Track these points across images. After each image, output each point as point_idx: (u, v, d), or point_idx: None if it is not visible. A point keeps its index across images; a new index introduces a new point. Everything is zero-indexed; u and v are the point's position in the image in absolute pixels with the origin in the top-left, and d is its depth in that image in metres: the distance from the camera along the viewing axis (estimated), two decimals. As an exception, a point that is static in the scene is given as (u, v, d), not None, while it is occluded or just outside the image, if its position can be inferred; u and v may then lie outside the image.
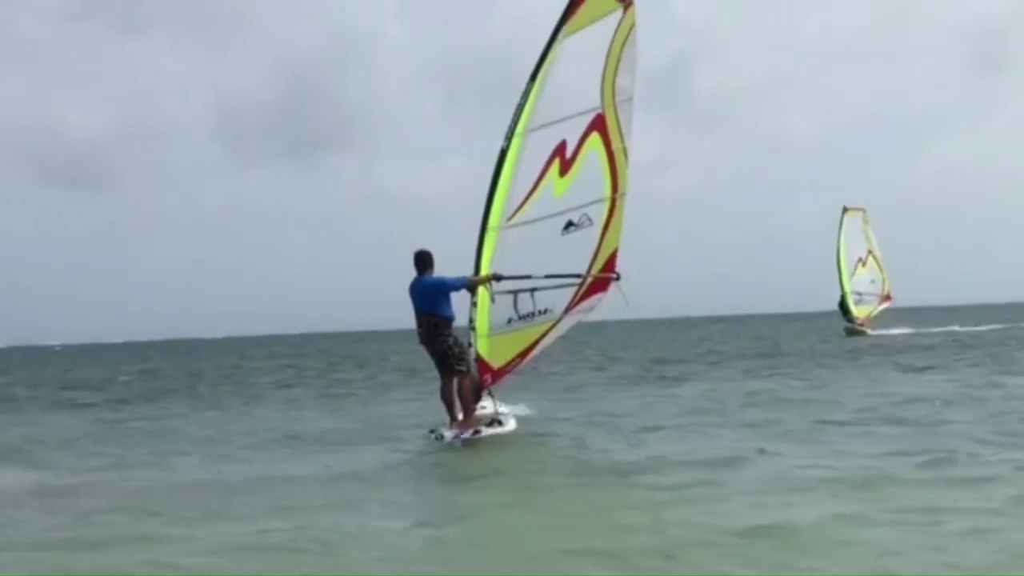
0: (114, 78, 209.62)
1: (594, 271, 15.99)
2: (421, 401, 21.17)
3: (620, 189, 16.01)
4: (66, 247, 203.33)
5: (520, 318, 16.02)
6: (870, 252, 55.97)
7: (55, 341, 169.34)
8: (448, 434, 15.20)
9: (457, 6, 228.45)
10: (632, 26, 15.97)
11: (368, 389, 27.19)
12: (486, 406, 16.07)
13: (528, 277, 15.88)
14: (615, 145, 15.97)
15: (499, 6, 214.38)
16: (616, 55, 15.98)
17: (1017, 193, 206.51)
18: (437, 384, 15.84)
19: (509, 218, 16.02)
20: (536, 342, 16.19)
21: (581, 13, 15.98)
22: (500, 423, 15.79)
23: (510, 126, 16.07)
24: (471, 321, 15.95)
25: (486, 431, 15.41)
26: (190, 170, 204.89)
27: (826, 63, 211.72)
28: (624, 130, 16.00)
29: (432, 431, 15.63)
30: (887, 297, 56.60)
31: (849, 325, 54.05)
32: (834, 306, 55.43)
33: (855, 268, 55.37)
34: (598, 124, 16.00)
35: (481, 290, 15.77)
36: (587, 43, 15.97)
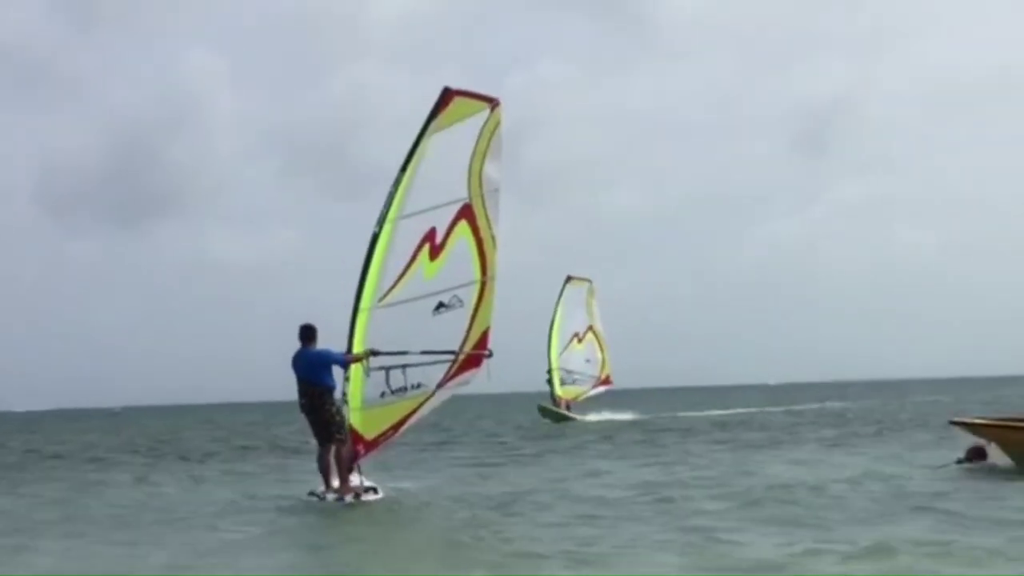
0: None
1: (467, 348, 17.20)
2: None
3: (489, 272, 17.31)
4: None
5: (393, 392, 17.09)
6: (591, 328, 51.01)
7: None
8: (329, 496, 16.29)
9: (291, 76, 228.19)
10: (498, 123, 17.39)
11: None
12: (354, 478, 16.99)
13: (405, 353, 17.00)
14: (483, 232, 17.28)
15: (334, 77, 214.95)
16: (482, 150, 17.36)
17: (837, 275, 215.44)
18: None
19: (381, 299, 17.16)
20: (409, 415, 17.27)
21: (449, 112, 17.34)
22: (375, 491, 16.85)
23: (381, 212, 17.26)
24: (344, 394, 16.97)
25: (364, 497, 16.52)
26: (7, 237, 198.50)
27: (654, 140, 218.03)
28: (492, 218, 17.33)
29: (311, 493, 16.72)
30: (605, 380, 51.06)
31: (545, 405, 49.20)
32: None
33: (569, 343, 50.21)
34: (466, 213, 17.30)
35: (355, 365, 16.85)
36: (455, 139, 17.31)
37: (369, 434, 17.12)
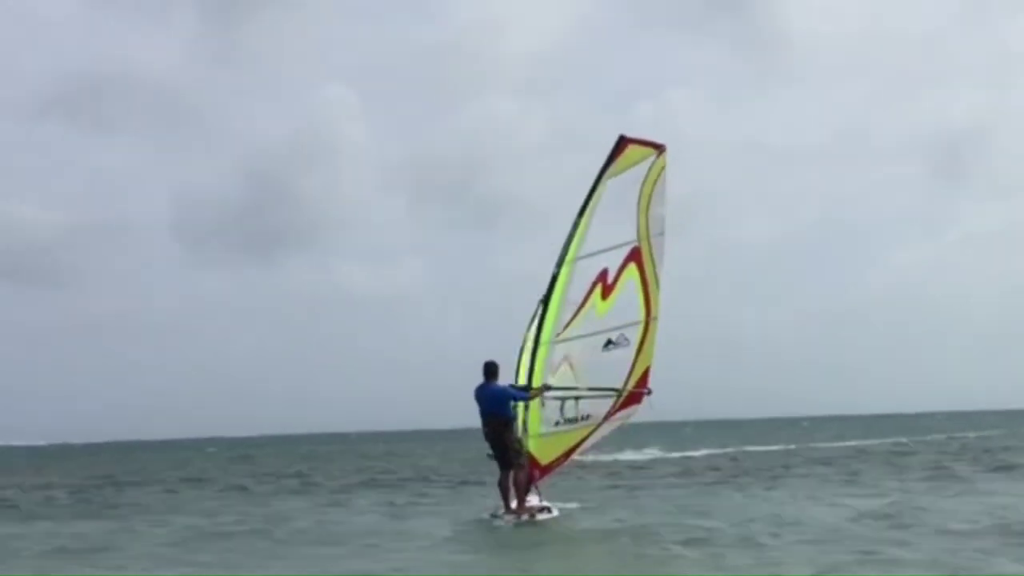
0: (73, 176, 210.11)
1: (630, 386, 18.47)
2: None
3: (652, 313, 18.55)
4: (16, 346, 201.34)
5: (566, 422, 18.46)
6: (566, 358, 47.89)
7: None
8: (508, 517, 17.65)
9: (421, 109, 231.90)
10: (663, 168, 18.63)
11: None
12: (532, 499, 18.39)
13: (574, 389, 18.37)
14: (648, 274, 18.52)
15: (463, 109, 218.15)
16: (648, 194, 18.60)
17: (965, 303, 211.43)
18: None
19: (558, 334, 18.55)
20: (579, 443, 18.59)
21: (622, 159, 18.65)
22: (549, 510, 18.19)
23: (560, 255, 18.68)
24: (523, 423, 18.37)
25: (539, 516, 17.86)
26: (145, 269, 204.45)
27: (782, 168, 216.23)
28: (657, 260, 18.57)
29: (493, 514, 18.13)
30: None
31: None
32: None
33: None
34: (635, 255, 18.58)
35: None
36: (625, 184, 18.62)
37: (544, 459, 18.49)
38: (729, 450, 47.19)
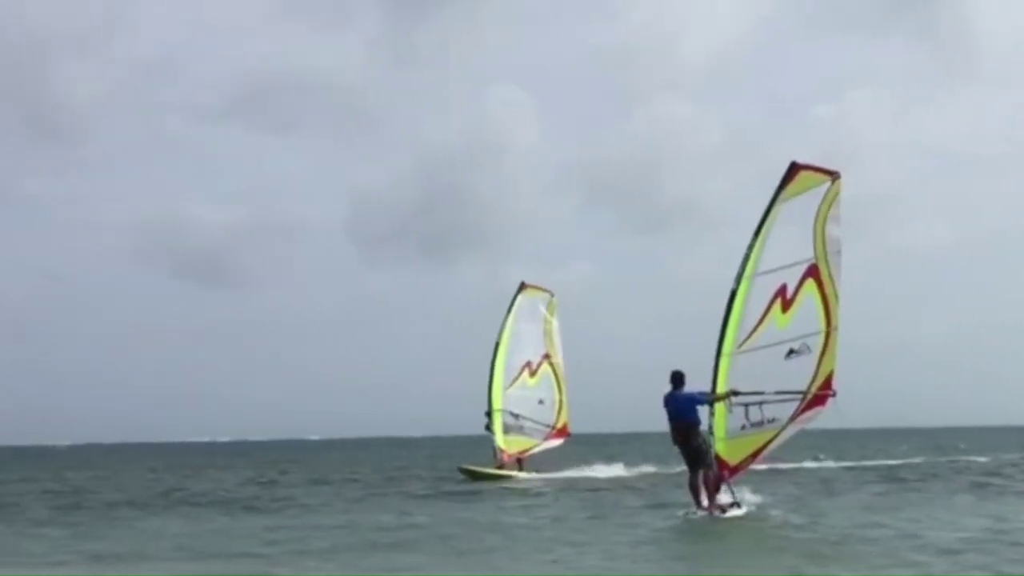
0: (252, 177, 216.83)
1: (813, 389, 20.07)
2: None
3: (833, 324, 20.07)
4: (196, 343, 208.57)
5: (752, 425, 20.16)
6: (547, 357, 39.70)
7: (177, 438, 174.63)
8: (700, 513, 19.57)
9: (595, 111, 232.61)
10: (838, 193, 20.19)
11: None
12: (723, 496, 20.20)
13: (760, 393, 20.07)
14: (827, 289, 20.06)
15: (637, 111, 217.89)
16: (824, 215, 20.16)
17: None
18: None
19: (740, 345, 20.27)
20: (765, 445, 20.26)
21: (795, 184, 20.28)
22: (739, 506, 20.00)
23: (738, 272, 20.40)
24: (710, 427, 20.17)
25: (729, 512, 19.69)
26: (319, 269, 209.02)
27: (964, 171, 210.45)
28: (835, 276, 20.09)
29: (685, 512, 20.01)
30: (561, 431, 39.29)
31: (467, 467, 39.05)
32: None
33: (518, 374, 38.93)
34: (813, 272, 20.16)
35: (719, 402, 20.09)
36: (802, 207, 20.23)
37: (732, 460, 20.21)
38: (941, 459, 46.41)
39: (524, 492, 30.04)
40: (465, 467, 39.40)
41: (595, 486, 30.71)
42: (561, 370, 39.88)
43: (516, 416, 38.42)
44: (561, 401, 39.71)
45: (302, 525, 21.12)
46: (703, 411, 20.23)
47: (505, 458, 37.79)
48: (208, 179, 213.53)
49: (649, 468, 39.14)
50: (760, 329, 20.29)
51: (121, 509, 26.33)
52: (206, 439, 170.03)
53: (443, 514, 22.82)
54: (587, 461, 40.02)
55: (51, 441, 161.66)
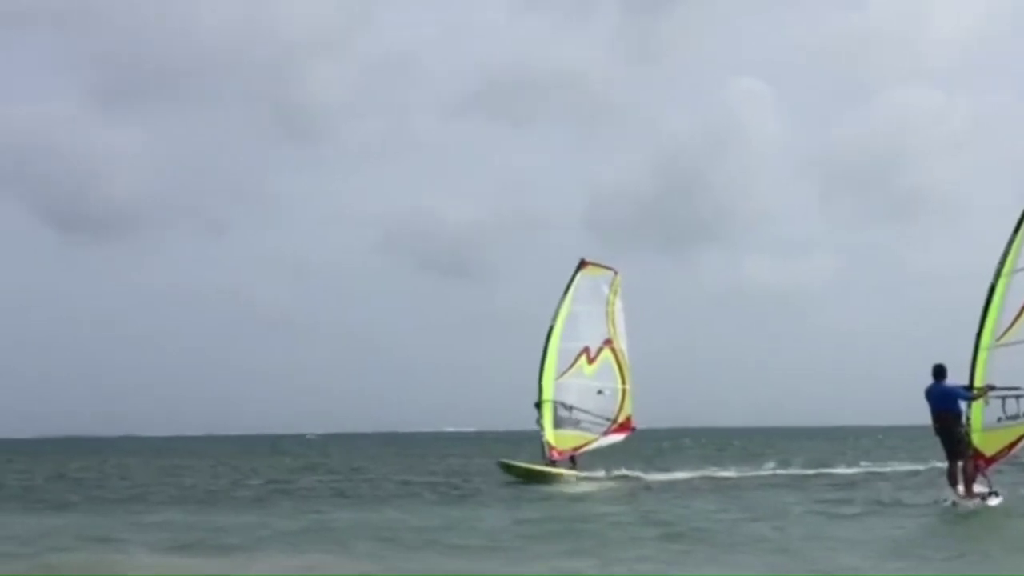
0: (492, 171, 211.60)
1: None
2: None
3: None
4: (440, 336, 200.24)
5: (1008, 418, 20.58)
6: (609, 343, 36.94)
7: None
8: (960, 502, 20.09)
9: (835, 100, 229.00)
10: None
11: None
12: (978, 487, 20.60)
13: (1017, 388, 20.49)
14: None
15: (879, 99, 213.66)
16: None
17: None
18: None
19: (997, 339, 20.67)
20: (1020, 438, 20.68)
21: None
22: (996, 495, 20.46)
23: (997, 267, 20.82)
24: (967, 419, 20.53)
25: (989, 501, 20.11)
26: (558, 263, 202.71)
27: None
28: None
29: (946, 500, 20.42)
30: (623, 426, 36.45)
31: (508, 461, 37.12)
32: None
33: (574, 361, 36.38)
34: (1069, 269, 20.69)
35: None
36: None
37: (988, 451, 20.62)
38: None
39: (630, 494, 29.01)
40: (507, 462, 37.22)
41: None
42: (625, 357, 36.99)
43: (569, 408, 35.69)
44: (624, 391, 36.60)
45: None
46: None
47: (555, 455, 35.16)
48: (450, 175, 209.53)
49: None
50: (1017, 324, 20.71)
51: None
52: (449, 429, 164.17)
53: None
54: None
55: (302, 430, 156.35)
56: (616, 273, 38.31)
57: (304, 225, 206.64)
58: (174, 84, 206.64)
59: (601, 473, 36.03)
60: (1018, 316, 20.76)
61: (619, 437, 36.87)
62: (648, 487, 31.40)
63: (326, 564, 15.31)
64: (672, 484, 32.68)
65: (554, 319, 37.42)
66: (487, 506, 24.65)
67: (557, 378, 36.38)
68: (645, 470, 36.56)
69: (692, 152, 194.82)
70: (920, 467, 35.52)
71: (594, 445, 36.40)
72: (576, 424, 36.07)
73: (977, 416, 20.63)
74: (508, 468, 36.60)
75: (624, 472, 35.90)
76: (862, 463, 40.28)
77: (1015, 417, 20.61)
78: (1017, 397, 20.56)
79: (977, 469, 20.59)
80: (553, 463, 35.60)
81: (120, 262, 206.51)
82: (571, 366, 36.63)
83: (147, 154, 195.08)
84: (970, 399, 20.46)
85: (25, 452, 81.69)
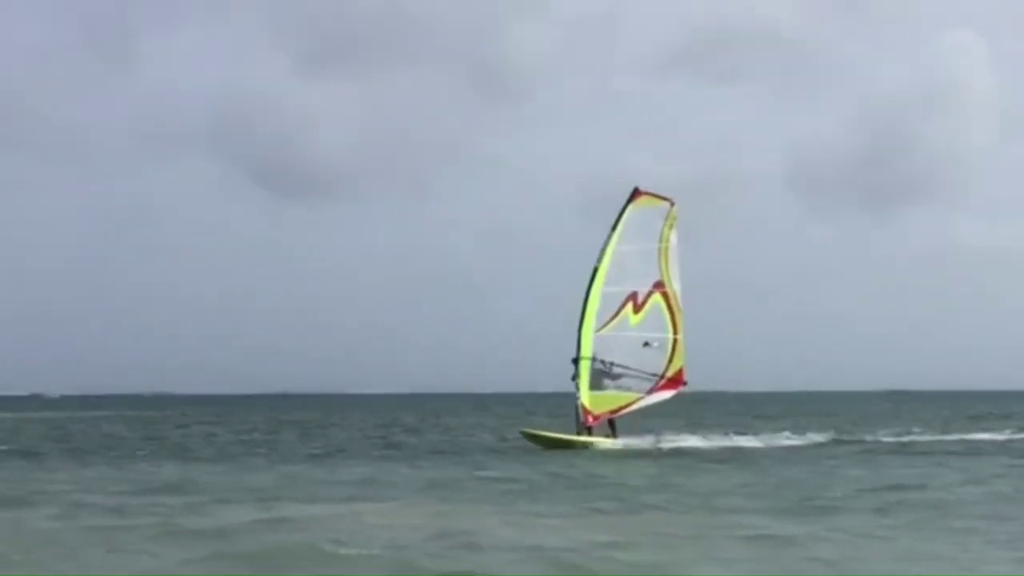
0: (693, 130, 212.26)
1: None
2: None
3: None
4: None
5: None
6: (660, 286, 32.41)
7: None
8: None
9: None
10: None
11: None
12: None
13: None
14: None
15: None
16: None
17: None
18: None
19: None
20: None
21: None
22: None
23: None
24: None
25: None
26: (759, 222, 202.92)
27: None
28: None
29: None
30: (673, 380, 32.12)
31: (529, 430, 33.59)
32: None
33: (618, 310, 32.13)
34: None
35: None
36: None
37: None
38: None
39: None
40: (529, 431, 33.36)
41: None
42: (678, 301, 32.43)
43: (609, 365, 31.77)
44: (676, 341, 32.31)
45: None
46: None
47: (591, 420, 31.39)
48: (652, 133, 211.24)
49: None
50: None
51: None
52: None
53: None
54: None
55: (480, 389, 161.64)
56: (673, 204, 33.13)
57: (503, 186, 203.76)
58: (378, 47, 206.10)
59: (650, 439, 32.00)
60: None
61: (667, 394, 32.28)
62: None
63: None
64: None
65: (599, 259, 32.64)
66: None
67: (597, 330, 32.00)
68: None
69: (901, 108, 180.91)
70: None
71: (637, 405, 32.02)
72: (616, 382, 31.80)
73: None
74: (532, 437, 32.55)
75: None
76: None
77: None
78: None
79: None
80: (589, 430, 31.58)
81: (325, 220, 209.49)
82: (614, 316, 32.25)
83: (351, 116, 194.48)
84: None
85: (287, 407, 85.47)
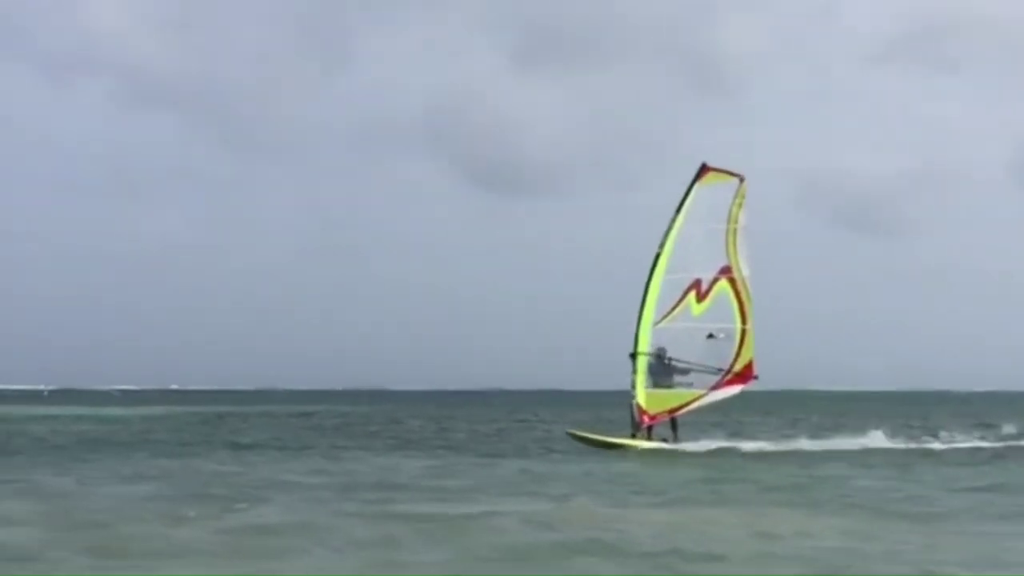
0: (911, 121, 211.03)
1: None
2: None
3: None
4: (849, 293, 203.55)
5: None
6: (727, 271, 29.80)
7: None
8: None
9: None
10: None
11: None
12: None
13: None
14: None
15: None
16: None
17: None
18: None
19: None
20: None
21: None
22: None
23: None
24: None
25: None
26: (979, 217, 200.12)
27: None
28: None
29: None
30: (741, 375, 29.37)
31: (575, 431, 30.97)
32: None
33: (680, 299, 29.57)
34: None
35: None
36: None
37: None
38: None
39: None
40: (575, 432, 30.92)
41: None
42: (747, 288, 29.59)
43: (668, 360, 29.25)
44: (744, 332, 29.47)
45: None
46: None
47: (646, 420, 28.98)
48: (868, 125, 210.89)
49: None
50: None
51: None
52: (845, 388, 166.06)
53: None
54: None
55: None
56: (743, 180, 29.99)
57: None
58: (591, 43, 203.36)
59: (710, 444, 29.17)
60: None
61: (734, 390, 29.38)
62: None
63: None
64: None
65: (662, 242, 29.93)
66: None
67: (657, 322, 29.41)
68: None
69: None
70: None
71: (699, 403, 29.24)
72: (675, 379, 29.20)
73: None
74: (580, 439, 30.12)
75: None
76: None
77: None
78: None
79: None
80: (649, 430, 29.15)
81: (539, 216, 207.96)
82: (675, 306, 29.61)
83: (564, 112, 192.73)
84: None
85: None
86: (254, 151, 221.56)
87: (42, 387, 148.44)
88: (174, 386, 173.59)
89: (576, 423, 38.50)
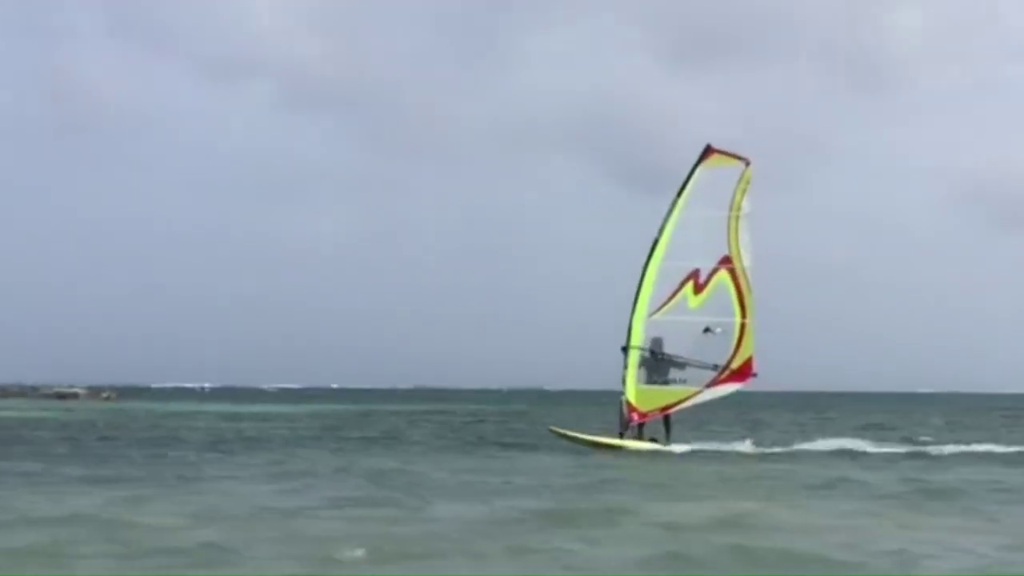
0: None
1: None
2: None
3: None
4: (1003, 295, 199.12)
5: None
6: (727, 262, 27.91)
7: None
8: None
9: None
10: None
11: None
12: None
13: None
14: None
15: None
16: None
17: None
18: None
19: None
20: None
21: None
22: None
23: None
24: None
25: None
26: None
27: None
28: None
29: None
30: (739, 372, 27.60)
31: (556, 428, 29.70)
32: None
33: (676, 291, 27.83)
34: None
35: None
36: None
37: None
38: None
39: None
40: (556, 430, 29.62)
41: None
42: (747, 280, 27.67)
43: (660, 356, 27.58)
44: (743, 326, 27.57)
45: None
46: None
47: (635, 418, 27.46)
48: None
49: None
50: None
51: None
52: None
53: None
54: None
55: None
56: (748, 164, 27.99)
57: (873, 179, 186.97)
58: (747, 39, 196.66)
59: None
60: None
61: (731, 387, 27.63)
62: None
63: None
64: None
65: (660, 229, 28.15)
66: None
67: (651, 314, 27.70)
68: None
69: None
70: None
71: (692, 401, 27.49)
72: (669, 375, 27.56)
73: None
74: (563, 436, 28.61)
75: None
76: None
77: None
78: None
79: None
80: (640, 428, 27.60)
81: None
82: (671, 297, 27.87)
83: (718, 110, 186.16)
84: None
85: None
86: (409, 152, 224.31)
87: (204, 385, 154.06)
88: (334, 385, 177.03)
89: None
